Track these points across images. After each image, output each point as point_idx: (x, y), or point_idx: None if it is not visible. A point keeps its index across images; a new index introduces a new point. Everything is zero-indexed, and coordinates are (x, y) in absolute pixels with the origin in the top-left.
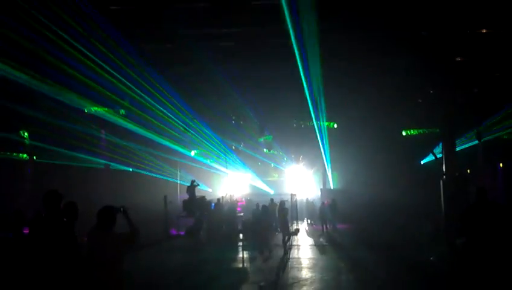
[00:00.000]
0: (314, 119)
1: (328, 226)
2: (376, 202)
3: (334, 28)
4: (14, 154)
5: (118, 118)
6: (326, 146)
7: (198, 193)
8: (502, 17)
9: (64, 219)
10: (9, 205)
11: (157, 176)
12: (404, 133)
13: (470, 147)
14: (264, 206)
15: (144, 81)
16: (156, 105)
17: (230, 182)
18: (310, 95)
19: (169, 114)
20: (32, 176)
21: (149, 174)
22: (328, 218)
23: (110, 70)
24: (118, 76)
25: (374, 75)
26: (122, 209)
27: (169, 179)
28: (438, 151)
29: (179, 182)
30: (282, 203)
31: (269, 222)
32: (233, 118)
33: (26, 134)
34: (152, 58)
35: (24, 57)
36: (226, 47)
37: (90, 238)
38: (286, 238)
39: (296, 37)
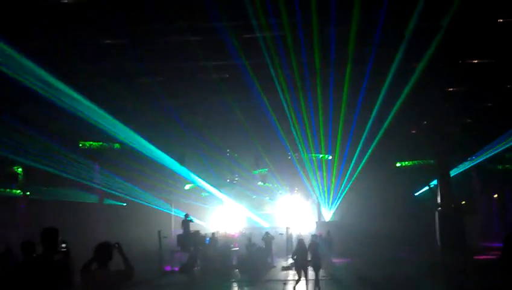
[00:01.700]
0: (308, 152)
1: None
2: (371, 234)
3: (330, 60)
4: (8, 190)
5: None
6: (321, 179)
7: (192, 227)
8: (494, 48)
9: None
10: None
11: (152, 210)
12: (398, 165)
13: (464, 176)
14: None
15: (137, 115)
16: (149, 140)
17: (225, 216)
18: (304, 128)
19: (162, 148)
20: (26, 212)
21: (143, 208)
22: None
23: (104, 105)
24: (112, 111)
25: (368, 107)
26: (117, 245)
27: (163, 213)
28: (433, 183)
29: (173, 216)
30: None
31: (264, 256)
32: (228, 151)
33: (20, 169)
34: (145, 91)
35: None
36: (220, 79)
37: (85, 274)
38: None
39: (291, 69)
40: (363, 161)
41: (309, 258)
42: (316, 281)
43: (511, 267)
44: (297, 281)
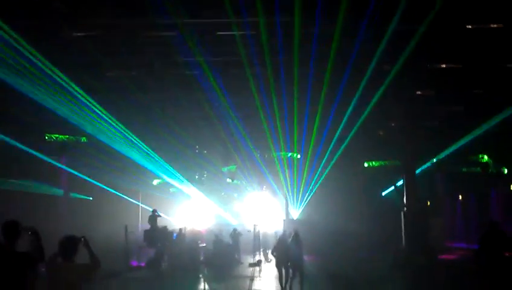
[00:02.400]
0: (276, 150)
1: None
2: (338, 233)
3: (294, 60)
4: None
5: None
6: (290, 177)
7: (160, 222)
8: (461, 52)
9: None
10: None
11: (119, 205)
12: (366, 165)
13: (430, 178)
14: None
15: (105, 109)
16: (118, 133)
17: (194, 211)
18: (273, 126)
19: (131, 142)
20: None
21: (110, 203)
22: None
23: (71, 96)
24: (80, 103)
25: (337, 107)
26: (83, 239)
27: (130, 208)
28: (399, 183)
29: (140, 211)
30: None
31: (232, 252)
32: (197, 147)
33: None
34: (115, 85)
35: None
36: (190, 75)
37: (50, 267)
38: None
39: (261, 68)
40: (331, 160)
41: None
42: (301, 280)
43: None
44: (280, 279)
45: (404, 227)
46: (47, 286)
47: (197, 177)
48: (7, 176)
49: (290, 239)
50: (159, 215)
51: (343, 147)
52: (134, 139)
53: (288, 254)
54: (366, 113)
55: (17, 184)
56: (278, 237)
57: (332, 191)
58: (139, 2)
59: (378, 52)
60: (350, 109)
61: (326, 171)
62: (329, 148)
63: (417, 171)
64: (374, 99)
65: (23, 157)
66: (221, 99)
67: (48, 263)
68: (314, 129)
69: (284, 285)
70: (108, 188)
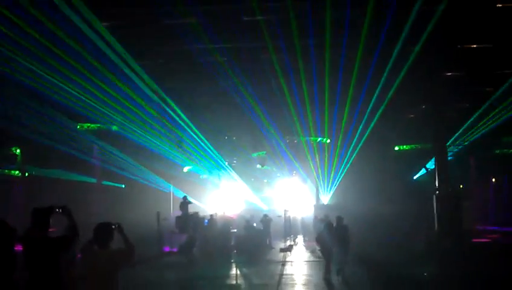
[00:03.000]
0: (306, 135)
1: None
2: (369, 218)
3: (325, 44)
4: (6, 171)
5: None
6: (320, 162)
7: (191, 208)
8: (491, 33)
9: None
10: None
11: (151, 192)
12: (396, 149)
13: (462, 160)
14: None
15: (136, 97)
16: (149, 121)
17: (224, 198)
18: (302, 111)
19: (162, 130)
20: (24, 193)
21: (142, 190)
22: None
23: (102, 86)
24: (111, 92)
25: (366, 91)
26: (117, 225)
27: (162, 195)
28: (430, 167)
29: (172, 197)
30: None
31: (262, 238)
32: (227, 133)
33: (18, 151)
34: (145, 74)
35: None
36: (219, 62)
37: (86, 254)
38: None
39: (289, 53)
40: (361, 144)
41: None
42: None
43: None
44: (327, 267)
45: (436, 211)
46: (84, 273)
47: (227, 163)
48: (41, 164)
49: (334, 225)
50: (190, 202)
51: (372, 130)
52: (166, 126)
53: (336, 241)
54: (394, 96)
55: (51, 172)
56: (325, 223)
57: (362, 175)
58: None
59: (406, 33)
60: (379, 92)
61: (355, 155)
62: (359, 132)
63: (449, 154)
64: (400, 82)
65: (57, 146)
66: (249, 85)
67: (84, 250)
68: (345, 114)
69: (327, 272)
70: (140, 175)
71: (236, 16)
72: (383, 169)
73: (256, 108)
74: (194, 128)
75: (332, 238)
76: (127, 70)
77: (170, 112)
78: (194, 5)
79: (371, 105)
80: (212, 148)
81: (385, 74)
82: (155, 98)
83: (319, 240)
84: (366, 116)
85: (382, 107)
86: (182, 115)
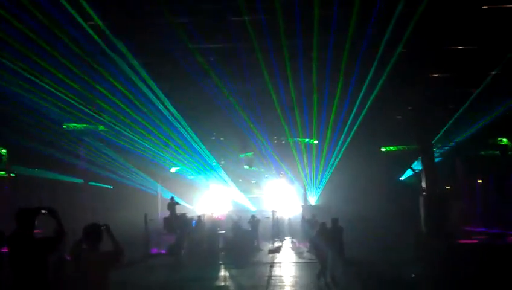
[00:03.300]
0: (294, 136)
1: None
2: (356, 218)
3: (312, 45)
4: None
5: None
6: (307, 163)
7: (179, 209)
8: (477, 34)
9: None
10: None
11: (138, 193)
12: (383, 149)
13: (448, 161)
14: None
15: (122, 97)
16: (136, 121)
17: (212, 198)
18: (290, 112)
19: (150, 128)
20: (10, 193)
21: (129, 191)
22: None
23: (89, 85)
24: (97, 91)
25: (353, 92)
26: (105, 226)
27: (149, 196)
28: (416, 167)
29: (159, 198)
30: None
31: (251, 239)
32: (214, 134)
33: (4, 151)
34: (131, 73)
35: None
36: (206, 62)
37: (76, 255)
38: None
39: (275, 53)
40: (348, 145)
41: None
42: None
43: None
44: (321, 271)
45: (423, 211)
46: (74, 274)
47: (214, 164)
48: (28, 165)
49: (329, 227)
50: (178, 203)
51: (359, 131)
52: (152, 126)
53: (331, 244)
54: (381, 97)
55: (37, 172)
56: (320, 223)
57: (349, 176)
58: None
59: (391, 34)
60: (366, 93)
61: (343, 156)
62: (346, 133)
63: (435, 155)
64: (387, 83)
65: (43, 146)
66: (236, 86)
67: (73, 251)
68: (332, 114)
69: (323, 276)
70: (127, 176)
71: (223, 16)
72: (370, 170)
73: (244, 109)
74: (180, 128)
75: (326, 241)
76: (113, 69)
77: (158, 111)
78: (179, 5)
79: (356, 106)
80: (199, 148)
81: (371, 75)
82: (142, 97)
83: (312, 243)
84: (352, 117)
85: (366, 108)
86: (169, 115)
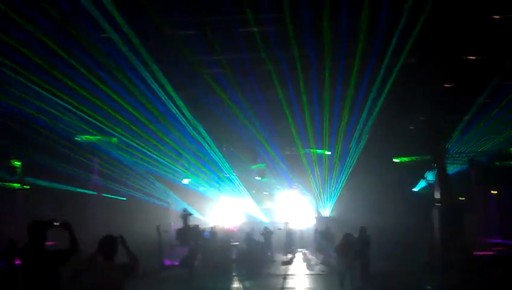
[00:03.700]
0: (306, 147)
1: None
2: (369, 229)
3: (324, 55)
4: (6, 184)
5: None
6: (319, 174)
7: (191, 221)
8: (491, 44)
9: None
10: (2, 234)
11: (150, 204)
12: (396, 160)
13: (462, 172)
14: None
15: (136, 109)
16: (149, 132)
17: (224, 210)
18: (301, 123)
19: (161, 141)
20: (24, 205)
21: (142, 201)
22: (322, 246)
23: (102, 98)
24: (111, 104)
25: (365, 102)
26: (120, 238)
27: (162, 207)
28: (430, 178)
29: (171, 210)
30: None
31: (263, 251)
32: (225, 145)
33: (18, 163)
34: (143, 86)
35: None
36: (217, 74)
37: (91, 267)
38: None
39: (287, 65)
40: (360, 156)
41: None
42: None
43: None
44: (341, 282)
45: (437, 223)
46: (89, 285)
47: (226, 175)
48: (42, 176)
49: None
50: (190, 214)
51: (371, 142)
52: (165, 138)
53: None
54: (394, 107)
55: (51, 184)
56: (345, 234)
57: (362, 187)
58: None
59: (405, 44)
60: (379, 103)
61: (356, 167)
62: (359, 144)
63: (449, 166)
64: (400, 93)
65: (57, 158)
66: (248, 97)
67: (89, 263)
68: (344, 125)
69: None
70: (138, 189)
71: (232, 28)
72: (383, 181)
73: (255, 120)
74: (193, 139)
75: (351, 251)
76: (126, 82)
77: (170, 123)
78: (191, 17)
79: (367, 116)
80: (211, 160)
81: (383, 85)
82: (155, 109)
83: (337, 252)
84: (365, 128)
85: (375, 118)
86: (182, 127)
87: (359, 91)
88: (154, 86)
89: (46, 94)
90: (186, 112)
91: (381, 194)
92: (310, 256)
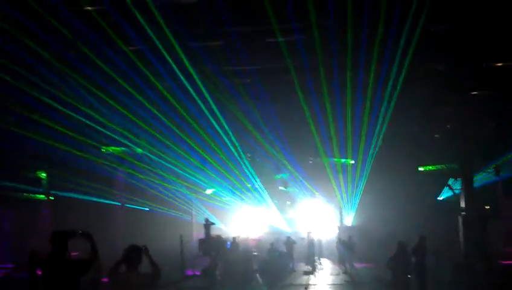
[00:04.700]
0: (330, 156)
1: (346, 264)
2: (393, 239)
3: (349, 64)
4: (31, 195)
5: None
6: (343, 182)
7: (213, 231)
8: None
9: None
10: (27, 245)
11: (172, 214)
12: (421, 169)
13: (489, 180)
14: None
15: (159, 121)
16: (172, 144)
17: (247, 219)
18: (325, 132)
19: (184, 152)
20: (49, 216)
21: (164, 213)
22: (345, 256)
23: (126, 109)
24: (134, 115)
25: (389, 110)
26: (144, 248)
27: (184, 217)
28: (456, 187)
29: (194, 219)
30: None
31: (286, 261)
32: (249, 155)
33: (44, 174)
34: (166, 96)
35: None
36: (242, 84)
37: (115, 276)
38: None
39: (311, 74)
40: (384, 164)
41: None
42: None
43: None
44: None
45: (463, 232)
46: None
47: (249, 185)
48: (66, 188)
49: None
50: (213, 224)
51: (396, 150)
52: (187, 148)
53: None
54: (419, 115)
55: (75, 195)
56: (399, 243)
57: (386, 196)
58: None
59: (430, 51)
60: (401, 111)
61: (380, 175)
62: (382, 152)
63: (474, 175)
64: (425, 101)
65: (82, 169)
66: (271, 106)
67: (112, 272)
68: (367, 133)
69: None
70: (161, 199)
71: (259, 38)
72: (407, 189)
73: (279, 129)
74: (217, 148)
75: (407, 265)
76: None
77: (194, 132)
78: (217, 28)
79: (386, 122)
80: (238, 167)
81: (408, 92)
82: (179, 119)
83: (390, 266)
84: (389, 136)
85: (397, 125)
86: (206, 135)
87: (384, 99)
88: (180, 95)
89: (74, 104)
90: (214, 121)
91: (406, 203)
92: (332, 266)
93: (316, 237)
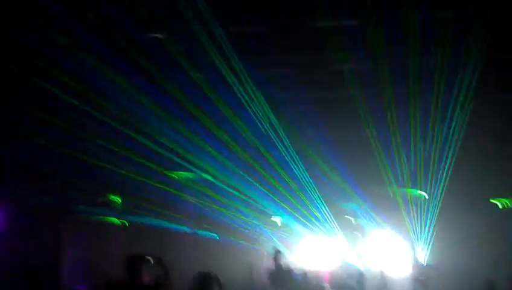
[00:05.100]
0: (401, 186)
1: None
2: (475, 280)
3: (414, 92)
4: (106, 218)
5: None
6: (416, 215)
7: (281, 260)
8: None
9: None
10: (100, 270)
11: (241, 242)
12: (498, 204)
13: None
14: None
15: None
16: (241, 172)
17: (315, 249)
18: (396, 161)
19: (252, 181)
20: (123, 241)
21: (234, 239)
22: None
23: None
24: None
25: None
26: (214, 276)
27: (251, 246)
28: None
29: (264, 249)
30: None
31: None
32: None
33: (118, 198)
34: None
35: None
36: (307, 111)
37: None
38: None
39: (377, 101)
40: (458, 198)
41: None
42: None
43: None
44: None
45: None
46: None
47: (318, 214)
48: (139, 213)
49: None
50: (283, 253)
51: (470, 182)
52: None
53: None
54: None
55: (148, 220)
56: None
57: (461, 231)
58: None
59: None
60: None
61: (455, 210)
62: (456, 185)
63: None
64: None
65: (153, 194)
66: (337, 134)
67: None
68: (436, 163)
69: None
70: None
71: (321, 65)
72: (484, 224)
73: (345, 158)
74: (286, 176)
75: None
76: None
77: (262, 159)
78: (280, 55)
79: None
80: (307, 195)
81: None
82: (246, 145)
83: None
84: (461, 168)
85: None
86: (275, 163)
87: (454, 128)
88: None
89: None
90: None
91: (484, 241)
92: None
93: (388, 273)
